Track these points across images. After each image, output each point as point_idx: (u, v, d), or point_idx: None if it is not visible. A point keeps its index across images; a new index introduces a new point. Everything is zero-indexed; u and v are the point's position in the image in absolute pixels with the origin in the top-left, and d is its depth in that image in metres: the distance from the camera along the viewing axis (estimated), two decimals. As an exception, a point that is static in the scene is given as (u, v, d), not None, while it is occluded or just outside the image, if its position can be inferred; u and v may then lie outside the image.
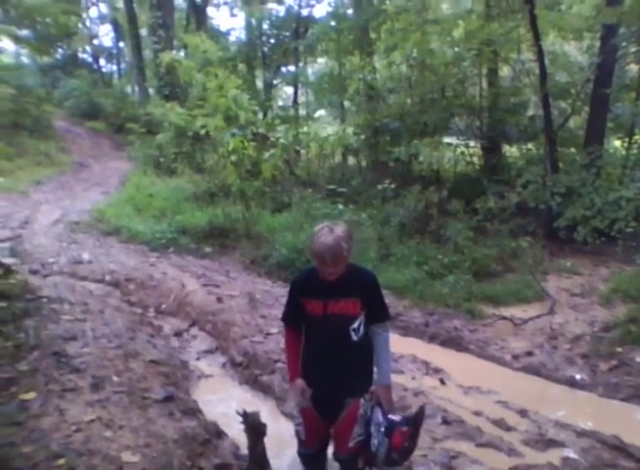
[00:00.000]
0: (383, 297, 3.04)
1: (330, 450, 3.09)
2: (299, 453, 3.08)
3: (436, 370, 4.96)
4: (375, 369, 3.01)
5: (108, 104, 24.38)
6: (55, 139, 20.29)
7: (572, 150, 11.74)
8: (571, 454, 3.51)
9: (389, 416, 2.94)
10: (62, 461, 2.89)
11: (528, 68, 12.22)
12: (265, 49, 20.64)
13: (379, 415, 2.92)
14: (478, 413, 4.11)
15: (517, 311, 6.53)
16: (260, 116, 15.66)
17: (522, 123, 13.25)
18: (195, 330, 5.96)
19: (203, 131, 10.87)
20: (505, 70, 14.60)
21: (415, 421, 2.95)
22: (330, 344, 2.91)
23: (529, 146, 13.10)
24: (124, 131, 20.82)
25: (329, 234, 2.75)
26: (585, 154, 9.21)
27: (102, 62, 32.08)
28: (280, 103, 22.94)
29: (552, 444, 3.66)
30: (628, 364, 4.89)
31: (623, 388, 4.52)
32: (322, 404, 2.94)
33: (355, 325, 2.88)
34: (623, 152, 11.51)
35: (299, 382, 2.93)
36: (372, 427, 2.91)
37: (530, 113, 13.85)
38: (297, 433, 3.02)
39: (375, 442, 2.89)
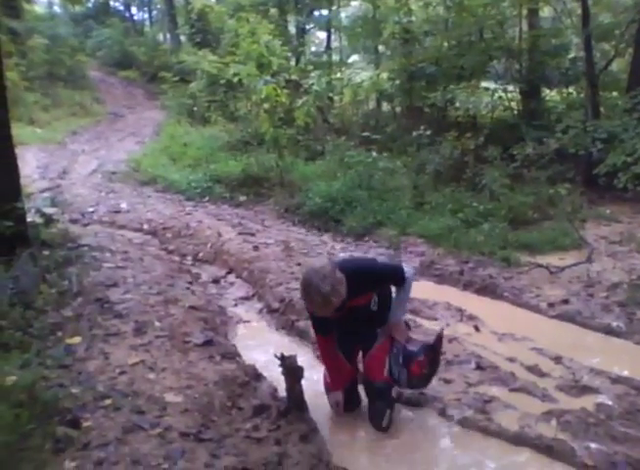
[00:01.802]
0: (388, 274, 3.30)
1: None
2: (330, 402, 3.40)
3: (471, 317, 4.98)
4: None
5: (140, 53, 24.29)
6: (89, 89, 20.41)
7: (615, 94, 11.31)
8: (606, 400, 3.51)
9: (407, 347, 3.28)
10: (108, 402, 3.03)
11: (570, 8, 11.69)
12: (298, -7, 20.13)
13: (395, 347, 3.26)
14: (512, 359, 4.13)
15: (553, 259, 6.45)
16: (293, 62, 15.41)
17: (563, 66, 12.73)
18: (232, 277, 6.07)
19: (235, 79, 10.79)
20: (546, 11, 13.97)
21: (432, 349, 3.29)
22: (353, 318, 3.20)
23: (570, 90, 12.63)
24: (157, 80, 20.78)
25: (317, 294, 2.84)
26: (628, 98, 8.85)
27: (133, 10, 31.83)
28: (313, 48, 22.46)
29: (586, 390, 3.66)
30: (666, 313, 4.83)
31: (660, 336, 4.48)
32: (348, 346, 3.34)
33: (372, 302, 3.25)
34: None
35: (337, 395, 3.32)
36: (391, 359, 3.23)
37: (572, 55, 13.28)
38: (325, 379, 3.42)
39: (395, 372, 3.23)
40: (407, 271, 3.25)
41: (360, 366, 3.46)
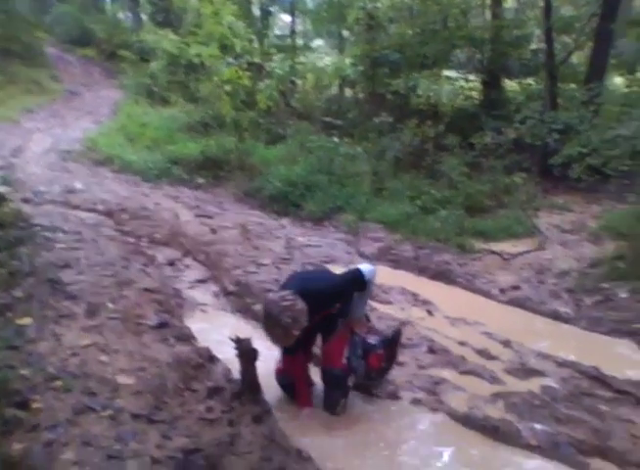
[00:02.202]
0: (348, 284, 3.26)
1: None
2: (278, 383, 3.41)
3: (425, 302, 5.07)
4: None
5: (99, 30, 23.51)
6: (46, 66, 19.73)
7: (573, 86, 11.55)
8: (551, 383, 3.64)
9: (367, 340, 3.37)
10: (59, 383, 2.99)
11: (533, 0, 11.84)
12: (263, -26, 19.86)
13: (355, 340, 3.31)
14: (463, 343, 4.23)
15: (507, 247, 6.61)
16: (256, 44, 15.24)
17: (524, 57, 12.95)
18: (188, 260, 6.01)
19: (197, 60, 10.62)
20: (509, 2, 14.15)
21: (391, 343, 3.42)
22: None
23: (530, 81, 12.86)
24: (116, 59, 20.22)
25: (278, 327, 2.86)
26: (585, 90, 9.07)
27: (93, -15, 30.75)
28: (277, 32, 22.22)
29: (533, 373, 3.79)
30: (612, 300, 5.00)
31: (606, 322, 4.64)
32: (307, 334, 3.17)
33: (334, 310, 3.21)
34: (624, 89, 11.33)
35: (307, 413, 3.26)
36: (350, 350, 3.26)
37: (533, 47, 13.51)
38: (277, 363, 3.40)
39: (354, 363, 3.27)
40: (367, 274, 3.27)
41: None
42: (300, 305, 2.88)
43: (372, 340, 3.42)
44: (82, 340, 3.51)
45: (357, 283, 3.26)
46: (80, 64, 22.11)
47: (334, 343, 3.24)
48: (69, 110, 16.08)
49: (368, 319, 3.59)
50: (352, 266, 3.43)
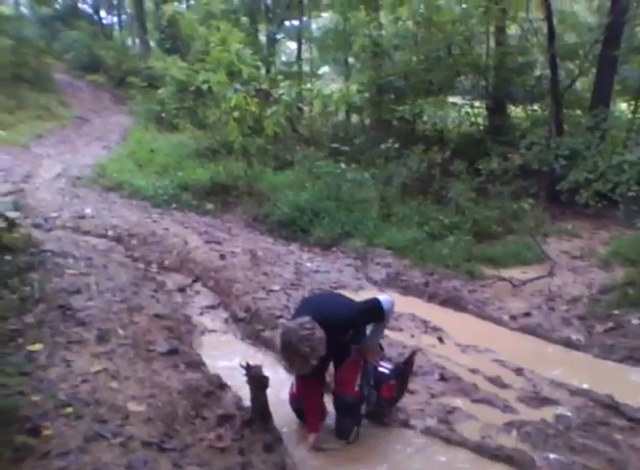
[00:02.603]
0: (367, 314, 3.21)
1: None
2: (292, 408, 3.41)
3: (435, 329, 5.05)
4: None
5: (108, 57, 23.93)
6: (55, 92, 20.04)
7: (578, 112, 11.61)
8: (565, 412, 3.60)
9: (379, 369, 3.38)
10: (69, 410, 2.97)
11: (537, 27, 11.96)
12: (269, 2, 20.15)
13: (368, 368, 3.29)
14: (474, 371, 4.20)
15: (516, 273, 6.59)
16: (263, 71, 15.43)
17: (528, 84, 13.04)
18: (198, 286, 6.02)
19: (205, 86, 10.73)
20: (513, 29, 14.30)
21: (403, 374, 3.42)
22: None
23: (535, 107, 12.95)
24: (125, 85, 20.54)
25: (296, 356, 2.86)
26: (591, 116, 9.12)
27: (102, 13, 31.33)
28: (283, 58, 22.53)
29: (546, 401, 3.75)
30: (624, 326, 4.96)
31: (618, 349, 4.60)
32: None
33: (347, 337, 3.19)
34: (629, 115, 11.39)
35: (313, 438, 3.19)
36: (363, 378, 3.24)
37: (537, 73, 13.62)
38: (291, 387, 3.41)
39: (365, 392, 3.24)
40: (385, 304, 3.17)
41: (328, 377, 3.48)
42: (319, 333, 2.87)
43: (384, 368, 3.41)
44: (93, 366, 3.50)
45: (375, 313, 3.20)
46: (89, 90, 22.44)
47: (347, 370, 3.21)
48: (79, 135, 16.27)
49: (381, 348, 3.55)
50: (370, 296, 3.35)
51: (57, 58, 23.23)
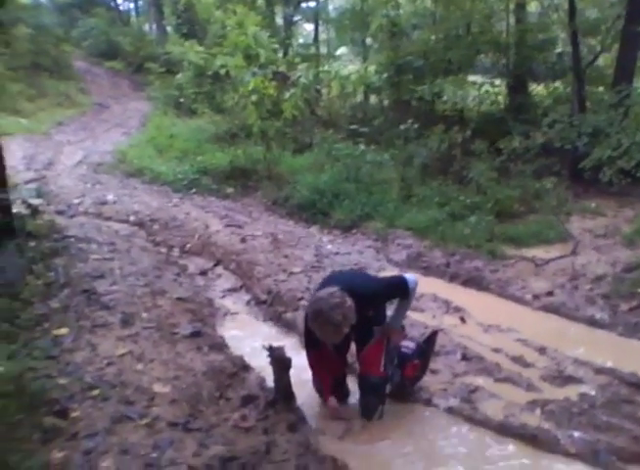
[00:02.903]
0: (393, 289, 3.25)
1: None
2: (316, 389, 3.46)
3: (457, 309, 5.03)
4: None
5: (126, 43, 23.96)
6: (74, 79, 20.17)
7: (601, 89, 11.37)
8: (589, 390, 3.57)
9: (402, 349, 3.39)
10: (96, 392, 3.04)
11: (557, 3, 11.71)
12: (285, -17, 20.00)
13: (391, 349, 3.29)
14: (497, 350, 4.18)
15: (539, 252, 6.51)
16: (280, 54, 15.34)
17: (549, 61, 12.81)
18: (219, 269, 6.07)
19: (222, 71, 10.72)
20: (533, 6, 14.01)
21: (426, 353, 3.44)
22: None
23: (557, 84, 12.70)
24: (143, 71, 20.58)
25: (329, 324, 2.85)
26: (614, 93, 8.91)
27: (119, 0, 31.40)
28: (300, 41, 22.36)
29: (570, 380, 3.72)
30: (649, 305, 4.89)
31: (643, 327, 4.54)
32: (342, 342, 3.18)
33: (369, 313, 3.16)
34: (654, 90, 11.12)
35: (332, 403, 3.28)
36: (386, 359, 3.24)
37: (559, 50, 13.36)
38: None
39: (389, 371, 3.26)
40: (410, 282, 3.20)
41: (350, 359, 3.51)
42: (349, 302, 2.88)
43: (406, 348, 3.42)
44: (118, 349, 3.56)
45: (401, 291, 3.22)
46: (108, 76, 22.55)
47: (371, 351, 3.22)
48: (99, 122, 16.39)
49: (403, 328, 3.56)
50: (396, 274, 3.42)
51: (75, 45, 23.35)
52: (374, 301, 3.17)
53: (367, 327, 3.19)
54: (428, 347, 3.50)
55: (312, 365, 3.35)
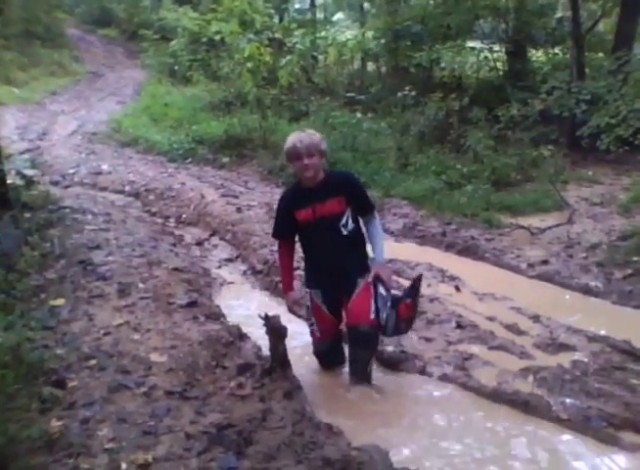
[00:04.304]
0: (365, 191, 3.34)
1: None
2: (315, 352, 3.44)
3: (452, 278, 5.05)
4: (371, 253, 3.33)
5: (120, 10, 23.54)
6: (68, 48, 19.87)
7: (601, 55, 11.26)
8: (582, 357, 3.61)
9: (392, 291, 3.29)
10: (93, 362, 3.07)
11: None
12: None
13: (382, 291, 3.21)
14: (491, 318, 4.21)
15: (535, 221, 6.53)
16: (276, 20, 15.10)
17: (549, 26, 12.63)
18: (215, 239, 6.07)
19: (217, 37, 10.58)
20: (533, -31, 13.76)
21: (415, 291, 3.32)
22: (325, 243, 3.22)
23: (556, 50, 12.57)
24: (137, 38, 20.26)
25: (299, 132, 3.14)
26: (613, 59, 8.81)
27: (112, -36, 30.62)
28: (296, 6, 21.95)
29: (563, 347, 3.76)
30: (643, 273, 4.92)
31: (637, 295, 4.56)
32: (331, 298, 3.27)
33: (343, 221, 3.16)
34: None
35: (292, 294, 3.44)
36: (379, 302, 3.18)
37: (558, 15, 13.16)
38: (312, 332, 3.40)
39: (383, 315, 3.18)
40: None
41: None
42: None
43: (396, 291, 3.40)
44: (115, 319, 3.58)
45: (368, 200, 3.34)
46: (102, 44, 22.23)
47: (358, 300, 3.18)
48: (93, 91, 16.21)
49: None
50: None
51: (68, 12, 22.93)
52: (346, 180, 3.32)
53: (349, 280, 3.20)
54: (416, 285, 3.36)
55: (279, 254, 3.49)
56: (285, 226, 3.30)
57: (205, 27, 11.84)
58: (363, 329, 3.14)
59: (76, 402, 2.71)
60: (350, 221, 3.18)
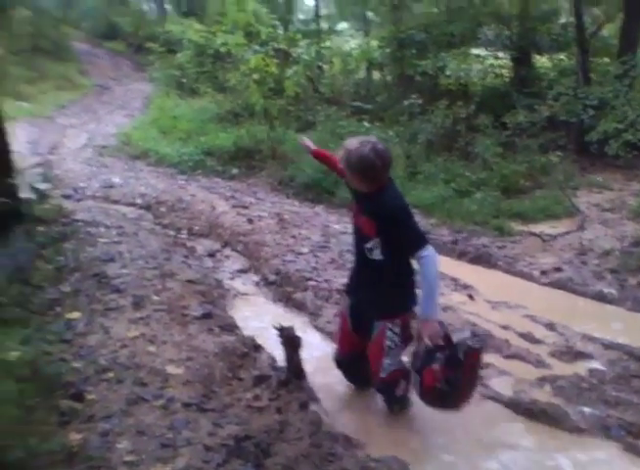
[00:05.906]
0: (406, 230, 2.68)
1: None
2: (334, 360, 3.30)
3: (465, 286, 5.04)
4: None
5: (125, 23, 23.76)
6: (75, 62, 20.03)
7: (606, 60, 11.25)
8: (598, 365, 3.60)
9: (432, 350, 2.65)
10: (110, 374, 3.08)
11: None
12: (284, -43, 19.69)
13: (420, 349, 2.72)
14: (505, 327, 4.20)
15: (546, 228, 6.51)
16: (281, 30, 15.19)
17: (553, 32, 12.63)
18: (227, 251, 6.08)
19: (223, 49, 10.65)
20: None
21: (456, 362, 2.57)
22: (356, 251, 2.93)
23: (561, 56, 12.57)
24: (144, 51, 20.42)
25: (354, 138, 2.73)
26: (619, 63, 8.82)
27: (117, -22, 30.93)
28: (301, 16, 22.08)
29: (579, 355, 3.74)
30: (657, 279, 4.90)
31: (652, 302, 4.55)
32: (354, 315, 3.07)
33: (369, 245, 2.75)
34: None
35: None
36: (390, 354, 2.87)
37: (562, 20, 13.17)
38: (335, 337, 3.31)
39: (414, 378, 2.80)
40: (429, 249, 2.67)
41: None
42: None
43: (441, 353, 2.64)
44: (130, 332, 3.59)
45: (414, 237, 2.71)
46: (109, 58, 22.39)
47: (373, 346, 2.93)
48: (101, 104, 16.32)
49: (443, 327, 2.76)
50: None
51: (74, 27, 23.14)
52: (382, 209, 2.67)
53: (367, 321, 2.93)
54: (460, 357, 2.59)
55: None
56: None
57: (210, 40, 11.93)
58: (377, 386, 3.04)
59: (95, 415, 2.72)
60: (378, 251, 2.73)
